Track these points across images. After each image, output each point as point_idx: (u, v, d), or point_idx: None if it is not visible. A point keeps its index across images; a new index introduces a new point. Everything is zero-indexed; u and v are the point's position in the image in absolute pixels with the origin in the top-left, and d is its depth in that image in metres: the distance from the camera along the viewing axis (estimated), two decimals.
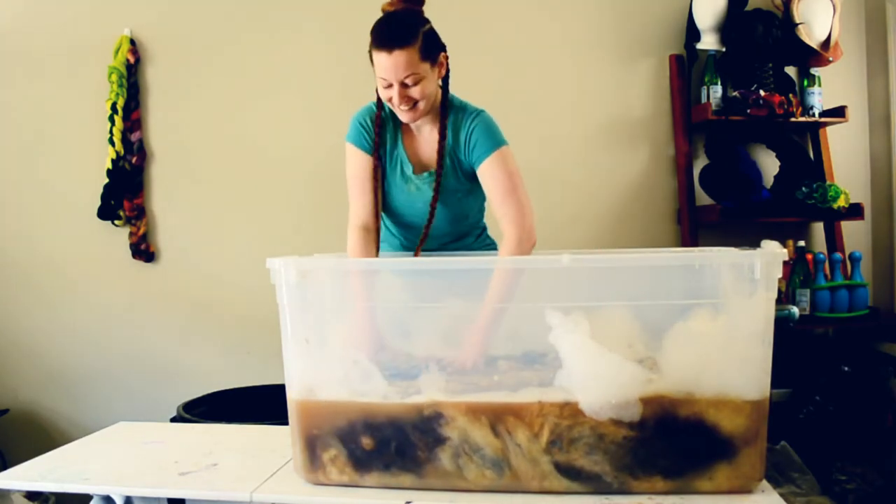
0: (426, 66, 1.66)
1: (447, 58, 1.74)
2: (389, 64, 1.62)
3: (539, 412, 1.35)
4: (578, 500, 1.35)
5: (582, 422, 1.34)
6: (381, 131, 1.79)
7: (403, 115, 1.71)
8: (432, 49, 1.68)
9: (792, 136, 3.00)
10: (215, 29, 2.97)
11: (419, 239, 1.82)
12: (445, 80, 1.77)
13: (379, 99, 1.75)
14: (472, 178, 1.78)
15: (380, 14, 1.70)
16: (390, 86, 1.65)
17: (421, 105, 1.68)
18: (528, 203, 1.71)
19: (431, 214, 1.77)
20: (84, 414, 2.97)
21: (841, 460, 2.54)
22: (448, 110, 1.76)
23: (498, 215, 1.71)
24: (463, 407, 1.37)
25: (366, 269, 1.58)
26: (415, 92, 1.66)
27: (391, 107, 1.72)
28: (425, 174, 1.79)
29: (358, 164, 1.79)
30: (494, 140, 1.72)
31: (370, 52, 1.67)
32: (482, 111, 1.78)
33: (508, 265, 1.54)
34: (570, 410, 1.34)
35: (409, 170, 1.80)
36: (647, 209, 3.02)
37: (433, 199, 1.76)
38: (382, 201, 1.85)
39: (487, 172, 1.72)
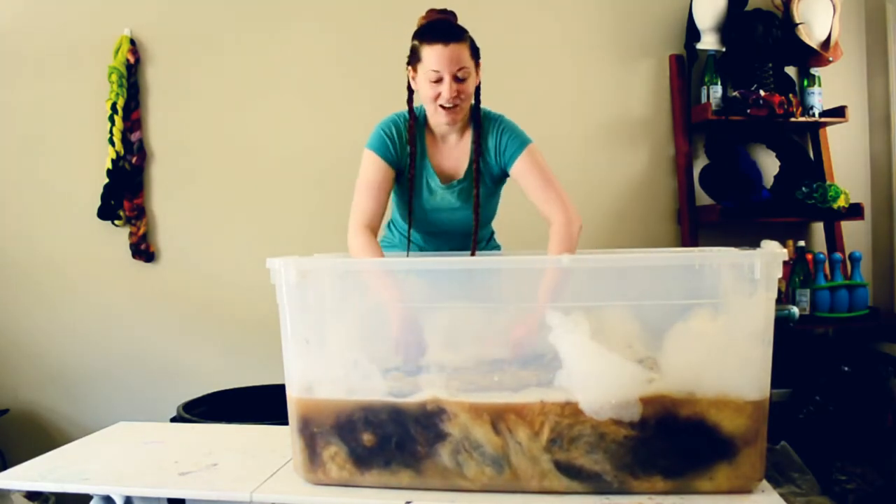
0: (473, 65, 1.73)
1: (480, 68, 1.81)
2: (445, 55, 1.67)
3: (540, 411, 1.35)
4: (578, 499, 1.35)
5: (582, 421, 1.34)
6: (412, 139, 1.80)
7: (444, 116, 1.74)
8: (476, 52, 1.76)
9: (792, 136, 3.00)
10: (215, 29, 2.97)
11: (442, 243, 1.93)
12: (477, 89, 1.81)
13: (410, 108, 1.79)
14: (496, 183, 1.86)
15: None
16: (440, 80, 1.69)
17: (465, 105, 1.73)
18: (564, 190, 1.78)
19: (476, 221, 1.83)
20: (84, 414, 2.97)
21: (841, 460, 2.54)
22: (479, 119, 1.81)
23: (541, 205, 1.76)
24: (465, 405, 1.37)
25: (380, 270, 1.59)
26: (464, 87, 1.70)
27: (431, 108, 1.74)
28: (453, 183, 1.84)
29: (376, 171, 1.79)
30: (522, 139, 1.80)
31: (415, 49, 1.72)
32: (501, 116, 1.84)
33: (513, 266, 1.54)
34: (571, 410, 1.34)
35: (435, 181, 1.84)
36: (647, 209, 3.02)
37: (475, 204, 1.82)
38: (403, 210, 1.90)
39: (524, 168, 1.77)
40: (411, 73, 1.78)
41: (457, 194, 1.84)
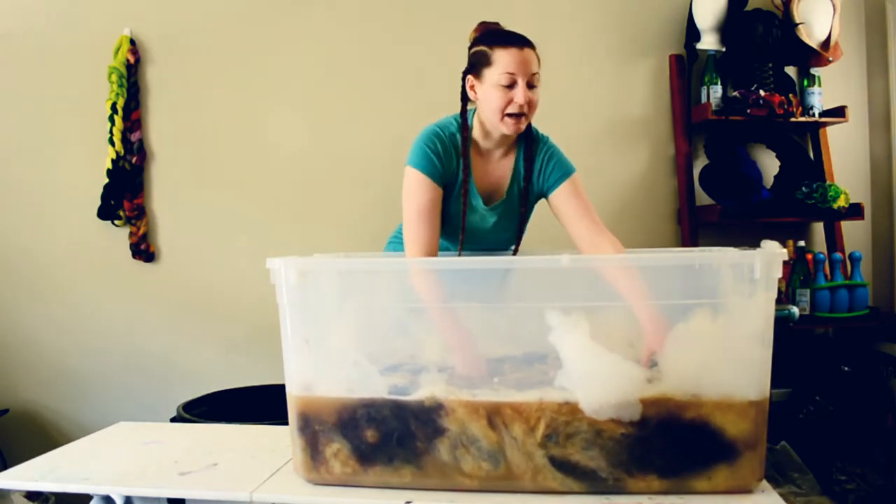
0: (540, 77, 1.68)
1: None
2: (523, 58, 1.62)
3: (538, 409, 1.35)
4: (579, 499, 1.35)
5: (581, 421, 1.34)
6: (457, 154, 1.72)
7: (511, 126, 1.66)
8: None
9: (792, 136, 3.00)
10: (216, 29, 2.97)
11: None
12: None
13: (464, 118, 1.73)
14: (533, 204, 1.83)
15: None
16: (513, 85, 1.63)
17: (530, 116, 1.68)
18: None
19: (518, 240, 1.83)
20: (84, 414, 2.97)
21: (841, 460, 2.54)
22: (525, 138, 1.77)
23: (584, 233, 1.72)
24: (463, 406, 1.37)
25: (367, 270, 1.59)
26: (534, 97, 1.65)
27: (495, 118, 1.66)
28: (496, 204, 1.79)
29: (425, 193, 1.68)
30: (567, 167, 1.78)
31: (484, 54, 1.66)
32: (547, 138, 1.81)
33: (519, 265, 1.54)
34: (570, 410, 1.34)
35: (478, 201, 1.78)
36: (647, 209, 3.02)
37: (521, 223, 1.80)
38: (442, 224, 1.81)
39: (567, 195, 1.74)
40: (472, 82, 1.70)
41: (499, 215, 1.79)
